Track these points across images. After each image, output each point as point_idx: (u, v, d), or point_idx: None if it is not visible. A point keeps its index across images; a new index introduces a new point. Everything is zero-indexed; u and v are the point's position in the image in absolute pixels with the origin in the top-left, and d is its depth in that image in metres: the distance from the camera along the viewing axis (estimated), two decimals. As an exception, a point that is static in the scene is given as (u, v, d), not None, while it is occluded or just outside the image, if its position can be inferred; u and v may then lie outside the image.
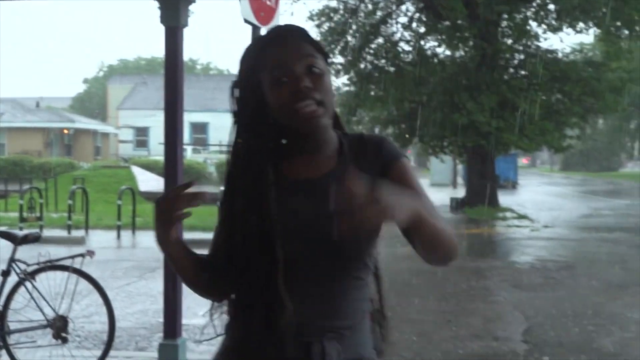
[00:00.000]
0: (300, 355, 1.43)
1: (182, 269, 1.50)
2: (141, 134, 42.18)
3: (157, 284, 7.87)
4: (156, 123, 41.61)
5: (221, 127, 39.98)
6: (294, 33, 1.45)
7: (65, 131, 36.80)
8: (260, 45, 1.46)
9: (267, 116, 1.46)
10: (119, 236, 12.42)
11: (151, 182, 22.79)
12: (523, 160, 69.14)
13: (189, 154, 31.58)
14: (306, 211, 1.41)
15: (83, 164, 29.17)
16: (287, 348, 1.43)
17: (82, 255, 4.21)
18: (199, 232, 10.61)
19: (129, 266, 9.07)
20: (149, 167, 26.02)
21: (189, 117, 41.01)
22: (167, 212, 1.40)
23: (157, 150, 36.99)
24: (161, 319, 6.19)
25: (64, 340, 4.22)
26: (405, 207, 1.24)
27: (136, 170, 23.35)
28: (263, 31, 4.64)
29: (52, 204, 16.39)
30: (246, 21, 4.46)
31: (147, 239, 12.05)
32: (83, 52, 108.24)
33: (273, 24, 4.79)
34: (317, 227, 1.40)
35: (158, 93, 44.52)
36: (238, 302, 1.49)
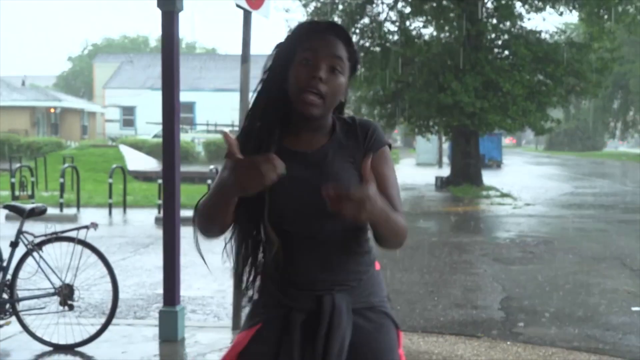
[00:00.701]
0: (313, 306, 1.69)
1: (220, 214, 1.65)
2: (128, 113, 42.11)
3: (151, 259, 8.16)
4: (143, 102, 41.59)
5: (208, 107, 40.00)
6: (339, 33, 1.71)
7: (52, 110, 36.69)
8: (312, 29, 1.72)
9: (281, 101, 1.71)
10: (110, 213, 12.63)
11: (139, 161, 22.93)
12: (508, 141, 69.61)
13: (176, 133, 31.61)
14: (300, 178, 1.68)
15: (71, 143, 29.20)
16: (302, 300, 1.70)
17: (86, 227, 4.46)
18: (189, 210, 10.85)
19: (122, 242, 9.31)
20: (137, 146, 26.11)
21: (176, 97, 41.08)
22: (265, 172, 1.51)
23: (144, 129, 37.01)
24: (157, 291, 6.50)
25: (71, 307, 4.48)
26: (367, 212, 1.50)
27: (124, 150, 23.45)
28: (255, 15, 4.88)
29: (42, 183, 16.54)
30: (238, 6, 4.68)
31: (139, 217, 12.30)
32: (67, 30, 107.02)
33: (264, 8, 5.01)
34: (309, 194, 1.66)
35: (144, 72, 44.54)
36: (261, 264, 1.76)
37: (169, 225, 4.64)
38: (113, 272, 4.50)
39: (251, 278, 1.76)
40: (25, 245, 4.44)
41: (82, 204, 13.39)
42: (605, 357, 4.43)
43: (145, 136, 31.08)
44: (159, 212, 12.14)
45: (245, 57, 4.74)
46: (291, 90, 1.69)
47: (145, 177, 20.28)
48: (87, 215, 12.25)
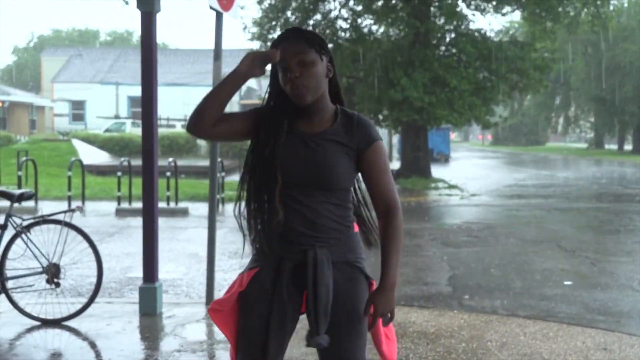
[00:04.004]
0: (300, 258, 2.14)
1: (223, 94, 2.12)
2: (77, 107, 41.62)
3: (118, 247, 8.50)
4: (93, 96, 41.16)
5: (159, 101, 39.71)
6: (293, 34, 2.14)
7: (0, 104, 36.02)
8: (280, 40, 2.15)
9: (284, 96, 2.18)
10: (70, 206, 12.78)
11: (93, 156, 22.93)
12: (453, 136, 71.01)
13: (128, 127, 31.51)
14: (297, 153, 2.12)
15: (20, 138, 28.83)
16: (291, 251, 2.14)
17: (72, 210, 4.84)
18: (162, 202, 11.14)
19: (87, 232, 9.55)
20: (88, 140, 26.02)
21: (127, 91, 40.77)
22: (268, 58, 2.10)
23: (94, 123, 36.72)
24: (128, 275, 6.88)
25: (57, 285, 4.85)
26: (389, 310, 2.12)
27: (77, 144, 23.38)
28: (226, 17, 5.31)
29: (-4, 177, 16.49)
30: (212, 8, 5.11)
31: (99, 208, 12.53)
32: (10, 21, 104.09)
33: (233, 9, 5.45)
34: (303, 165, 2.11)
35: (94, 66, 44.04)
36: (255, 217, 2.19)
37: (148, 209, 5.04)
38: (98, 252, 4.89)
39: (255, 234, 2.20)
40: (15, 228, 4.78)
41: (40, 197, 13.49)
42: (538, 321, 5.04)
43: (96, 130, 30.92)
44: (119, 204, 12.42)
45: (217, 55, 5.18)
46: (286, 91, 2.14)
47: (99, 170, 20.35)
48: (47, 208, 12.38)
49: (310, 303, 2.11)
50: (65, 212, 4.84)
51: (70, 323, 4.83)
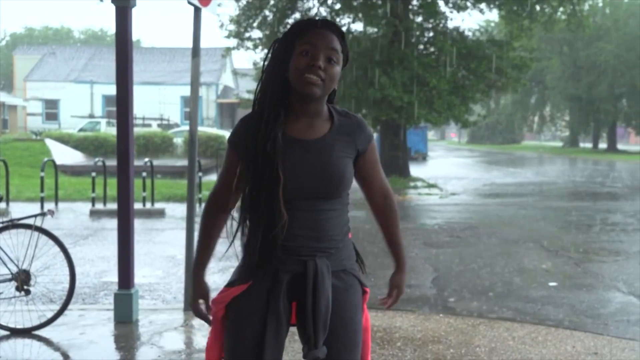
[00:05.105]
0: (298, 269, 2.00)
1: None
2: (51, 106, 40.95)
3: (92, 250, 8.25)
4: (67, 95, 40.56)
5: (134, 100, 39.26)
6: (333, 29, 2.00)
7: (-30, 103, 35.33)
8: (311, 25, 1.99)
9: (283, 90, 1.98)
10: (42, 207, 12.48)
11: (66, 156, 22.51)
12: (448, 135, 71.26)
13: (103, 127, 31.04)
14: (302, 163, 1.96)
15: (-9, 137, 28.22)
16: (289, 263, 1.99)
17: (43, 214, 4.61)
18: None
19: (60, 234, 9.15)
20: (62, 140, 25.56)
21: (102, 90, 40.22)
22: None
23: (68, 123, 36.16)
24: (102, 279, 6.66)
25: (27, 292, 4.63)
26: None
27: (50, 144, 22.95)
28: (205, 12, 5.13)
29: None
30: (190, 3, 4.92)
31: (73, 210, 12.23)
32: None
33: (212, 5, 5.26)
34: (310, 175, 1.96)
35: (68, 64, 43.39)
36: (251, 228, 2.01)
37: (124, 213, 4.84)
38: (70, 257, 4.68)
39: (258, 244, 1.99)
40: (-18, 233, 4.55)
41: (11, 199, 13.16)
42: (526, 324, 4.93)
43: (70, 130, 30.41)
44: (93, 205, 12.14)
45: (195, 52, 4.99)
46: (292, 76, 1.95)
47: (73, 171, 19.97)
48: (19, 209, 12.08)
49: (308, 316, 1.98)
50: (35, 215, 4.62)
51: (41, 332, 4.61)
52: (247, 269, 2.05)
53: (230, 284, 2.07)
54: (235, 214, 2.08)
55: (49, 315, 4.65)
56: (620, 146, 49.96)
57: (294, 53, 1.97)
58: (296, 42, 1.98)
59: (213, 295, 2.14)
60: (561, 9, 20.00)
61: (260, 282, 2.02)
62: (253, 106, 2.05)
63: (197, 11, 5.02)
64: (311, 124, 2.02)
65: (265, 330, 1.99)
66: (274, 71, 2.00)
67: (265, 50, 16.04)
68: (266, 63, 2.04)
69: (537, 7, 19.44)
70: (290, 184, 1.94)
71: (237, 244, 2.10)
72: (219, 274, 6.94)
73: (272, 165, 1.93)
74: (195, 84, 4.99)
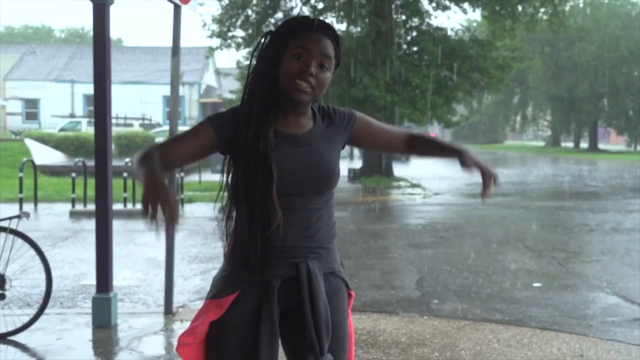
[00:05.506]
0: (290, 273, 1.91)
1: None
2: (31, 106, 40.46)
3: (71, 252, 8.11)
4: (47, 95, 40.11)
5: (116, 100, 38.91)
6: (328, 32, 1.91)
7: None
8: (307, 26, 1.90)
9: (272, 87, 1.90)
10: (21, 208, 12.29)
11: (47, 156, 22.21)
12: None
13: (84, 126, 30.70)
14: (293, 158, 1.90)
15: (-30, 137, 27.83)
16: (280, 267, 1.90)
17: (18, 216, 4.49)
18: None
19: (39, 236, 9.11)
20: (42, 140, 25.22)
21: (82, 89, 39.82)
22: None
23: (49, 122, 35.73)
24: (81, 282, 6.54)
25: (1, 297, 4.50)
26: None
27: (30, 144, 22.64)
28: (185, 10, 5.03)
29: (-56, 178, 15.82)
30: (169, 0, 4.82)
31: (52, 211, 12.05)
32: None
33: (192, 3, 5.17)
34: (302, 170, 1.89)
35: (48, 63, 42.94)
36: (241, 228, 1.90)
37: (102, 214, 4.73)
38: (46, 260, 4.57)
39: (259, 247, 1.88)
40: (-45, 236, 4.43)
41: (-11, 200, 12.96)
42: (511, 326, 4.89)
43: (50, 130, 30.06)
44: (73, 206, 11.96)
45: (175, 50, 4.89)
46: (283, 79, 1.88)
47: (53, 171, 19.70)
48: (-3, 210, 11.89)
49: (308, 322, 1.89)
50: (10, 218, 4.49)
51: (16, 338, 4.48)
52: (234, 277, 1.95)
53: (215, 296, 1.95)
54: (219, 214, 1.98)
55: (25, 320, 4.53)
56: (601, 145, 50.43)
57: (286, 54, 1.89)
58: (289, 41, 1.89)
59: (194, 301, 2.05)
60: (543, 9, 20.10)
61: (250, 290, 1.93)
62: (242, 101, 1.96)
63: (177, 9, 4.92)
64: (297, 120, 1.97)
65: (259, 342, 1.90)
66: (264, 68, 1.92)
67: (249, 50, 15.82)
68: (256, 55, 1.96)
69: (519, 8, 19.51)
70: (283, 180, 1.87)
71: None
72: (200, 275, 6.84)
73: (264, 163, 1.85)
74: (175, 82, 4.90)
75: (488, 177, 2.04)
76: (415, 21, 19.45)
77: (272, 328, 1.92)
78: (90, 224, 10.19)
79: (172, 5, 4.93)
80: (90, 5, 4.65)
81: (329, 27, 1.94)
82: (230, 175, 1.94)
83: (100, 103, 4.68)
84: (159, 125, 35.23)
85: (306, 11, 19.90)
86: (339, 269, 2.04)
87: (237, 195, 1.90)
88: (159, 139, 25.89)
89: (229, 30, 19.95)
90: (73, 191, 12.19)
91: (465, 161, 2.03)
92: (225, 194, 1.96)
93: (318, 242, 1.95)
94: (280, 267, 1.91)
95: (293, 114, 1.95)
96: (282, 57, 1.89)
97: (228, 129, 1.92)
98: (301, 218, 1.91)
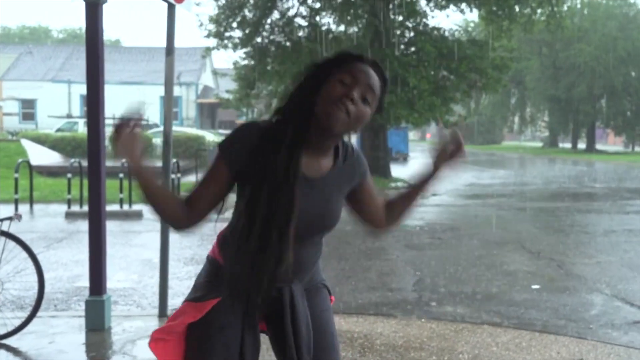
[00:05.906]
0: (274, 294, 1.90)
1: (152, 195, 1.87)
2: (28, 106, 40.35)
3: (65, 253, 8.04)
4: (44, 95, 40.00)
5: (114, 100, 38.82)
6: (378, 71, 1.84)
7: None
8: (356, 58, 1.83)
9: (307, 111, 1.81)
10: (17, 209, 12.20)
11: (43, 156, 22.12)
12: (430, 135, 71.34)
13: (81, 127, 30.60)
14: (307, 200, 1.84)
15: (-34, 138, 27.72)
16: (267, 290, 1.85)
17: (9, 218, 4.43)
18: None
19: (34, 237, 9.07)
20: (39, 140, 25.13)
21: (79, 90, 39.69)
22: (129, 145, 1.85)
23: (45, 123, 35.64)
24: (76, 284, 6.46)
25: (-7, 300, 4.44)
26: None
27: (26, 144, 22.55)
28: (179, 9, 4.97)
29: (-61, 179, 15.73)
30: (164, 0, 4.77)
31: (48, 212, 11.98)
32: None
33: (186, 2, 5.11)
34: (309, 213, 1.85)
35: (45, 64, 42.82)
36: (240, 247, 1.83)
37: (95, 216, 4.67)
38: (38, 263, 4.50)
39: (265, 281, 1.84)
40: (-55, 238, 4.36)
41: (-16, 200, 12.87)
42: (509, 329, 4.84)
43: (47, 130, 29.97)
44: (69, 207, 11.89)
45: (169, 50, 4.83)
46: (321, 102, 1.78)
47: (49, 172, 19.60)
48: (-8, 211, 11.81)
49: (290, 344, 1.91)
50: (2, 220, 4.42)
51: (8, 341, 4.42)
52: (219, 285, 1.92)
53: (196, 299, 1.92)
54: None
55: (17, 323, 4.46)
56: (599, 146, 50.41)
57: (330, 80, 1.79)
58: (334, 70, 1.81)
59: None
60: (540, 10, 20.06)
61: (230, 302, 1.91)
62: (269, 125, 1.85)
63: (171, 8, 4.86)
64: (318, 160, 1.89)
65: (242, 347, 1.89)
66: (304, 94, 1.83)
67: (245, 50, 15.79)
68: (298, 83, 1.87)
69: (517, 8, 19.47)
70: (299, 221, 1.82)
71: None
72: (188, 280, 6.77)
73: (291, 196, 1.77)
74: (169, 82, 4.83)
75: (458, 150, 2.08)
76: (413, 21, 19.39)
77: (255, 335, 1.93)
78: (86, 225, 10.04)
79: (166, 5, 4.88)
80: (84, 5, 4.58)
81: (379, 66, 1.88)
82: (239, 201, 1.87)
83: (93, 103, 4.61)
84: (156, 125, 35.05)
85: (303, 11, 19.86)
86: (322, 278, 2.08)
87: (251, 224, 1.79)
88: (156, 140, 25.82)
89: (225, 30, 19.88)
90: (69, 192, 12.12)
91: (434, 169, 2.07)
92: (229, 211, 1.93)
93: (308, 271, 1.99)
94: (267, 290, 1.90)
95: (317, 151, 1.87)
96: (322, 83, 1.80)
97: (240, 158, 1.82)
98: (298, 254, 1.89)
